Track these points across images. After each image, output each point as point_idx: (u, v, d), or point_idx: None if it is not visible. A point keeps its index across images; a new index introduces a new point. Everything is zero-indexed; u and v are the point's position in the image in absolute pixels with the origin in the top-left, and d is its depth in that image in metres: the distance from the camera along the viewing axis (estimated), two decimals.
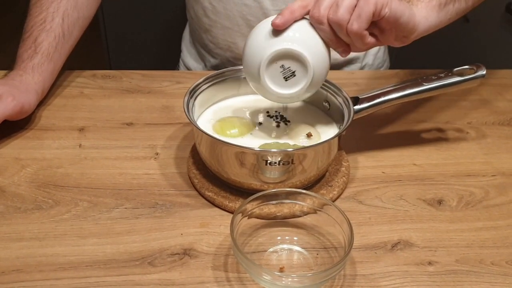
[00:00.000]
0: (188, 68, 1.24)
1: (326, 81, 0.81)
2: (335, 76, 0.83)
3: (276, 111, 0.82)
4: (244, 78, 0.84)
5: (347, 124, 0.73)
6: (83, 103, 0.95)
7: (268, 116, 0.82)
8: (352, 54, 1.13)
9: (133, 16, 1.93)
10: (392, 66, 1.28)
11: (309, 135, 0.77)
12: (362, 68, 1.18)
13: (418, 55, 2.08)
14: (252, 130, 0.79)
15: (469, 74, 0.80)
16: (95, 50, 2.01)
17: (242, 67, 0.84)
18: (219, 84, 0.82)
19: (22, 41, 0.92)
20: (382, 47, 1.23)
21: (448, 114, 0.96)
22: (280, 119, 0.81)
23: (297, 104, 0.85)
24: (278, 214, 0.69)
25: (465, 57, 1.07)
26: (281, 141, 0.76)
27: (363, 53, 1.17)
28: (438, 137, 0.90)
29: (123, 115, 0.91)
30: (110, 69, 1.07)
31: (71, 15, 0.95)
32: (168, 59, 1.35)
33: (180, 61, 1.27)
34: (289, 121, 0.80)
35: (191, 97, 0.77)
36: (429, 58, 2.04)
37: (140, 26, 1.95)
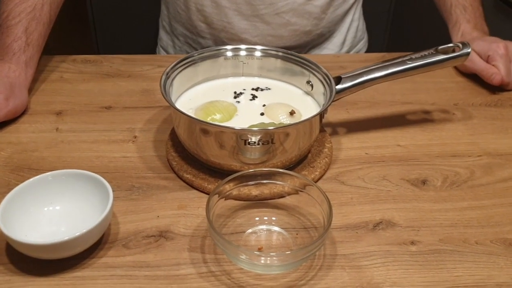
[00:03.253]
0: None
1: (305, 59, 0.80)
2: (320, 60, 0.81)
3: (253, 89, 0.81)
4: (225, 59, 0.83)
5: (329, 103, 0.71)
6: (62, 87, 0.93)
7: (243, 93, 0.81)
8: (330, 28, 1.14)
9: (121, 2, 1.91)
10: (380, 49, 1.27)
11: (292, 113, 0.75)
12: (344, 41, 1.17)
13: (410, 41, 2.07)
14: (237, 113, 0.77)
15: (454, 52, 0.79)
16: (84, 39, 1.99)
17: (224, 47, 0.83)
18: (198, 65, 0.80)
19: (7, 27, 0.87)
20: (361, 21, 1.23)
21: (435, 95, 0.95)
22: (253, 97, 0.80)
23: (280, 85, 0.83)
24: (257, 194, 0.67)
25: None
26: (267, 121, 0.74)
27: (345, 27, 1.17)
28: (424, 118, 0.88)
29: (102, 98, 0.89)
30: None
31: (56, 0, 0.93)
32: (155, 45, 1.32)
33: (162, 51, 1.25)
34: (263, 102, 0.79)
35: (167, 78, 0.75)
36: (420, 45, 2.03)
37: (128, 13, 1.93)
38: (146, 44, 1.43)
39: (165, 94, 0.71)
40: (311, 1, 1.06)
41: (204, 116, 0.74)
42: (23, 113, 0.84)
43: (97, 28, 1.95)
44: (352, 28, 1.19)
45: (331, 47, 1.18)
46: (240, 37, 1.09)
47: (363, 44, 1.25)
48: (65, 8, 0.99)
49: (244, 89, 0.81)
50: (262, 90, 0.82)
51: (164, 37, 1.22)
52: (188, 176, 0.71)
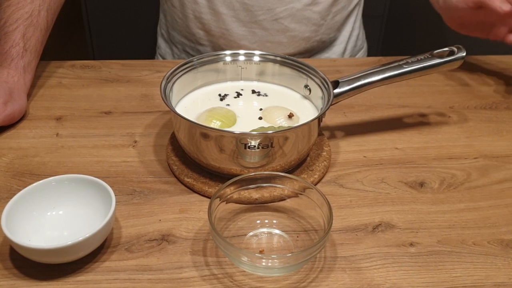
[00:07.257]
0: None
1: (303, 63, 0.81)
2: (316, 64, 0.82)
3: (253, 91, 0.83)
4: (224, 64, 0.83)
5: (328, 106, 0.72)
6: (61, 93, 0.93)
7: (239, 95, 0.82)
8: (329, 35, 1.15)
9: (117, 8, 1.91)
10: (375, 53, 1.28)
11: (290, 116, 0.76)
12: (344, 50, 1.18)
13: (404, 46, 2.08)
14: (237, 119, 0.77)
15: (450, 56, 0.80)
16: (80, 45, 1.99)
17: (222, 52, 0.83)
18: (197, 70, 0.81)
19: (5, 33, 0.88)
20: (361, 30, 1.24)
21: (430, 99, 0.96)
22: (238, 95, 0.82)
23: (278, 89, 0.84)
24: (257, 198, 0.68)
25: (449, 44, 1.06)
26: (265, 125, 0.75)
27: (346, 36, 1.18)
28: (420, 121, 0.89)
29: (102, 104, 0.90)
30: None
31: (53, 6, 0.94)
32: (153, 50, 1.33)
33: (161, 59, 1.25)
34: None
35: (167, 83, 0.75)
36: (414, 49, 2.05)
37: (124, 20, 1.93)
38: (143, 50, 1.43)
39: (166, 99, 0.71)
40: (310, 7, 1.07)
41: (208, 124, 0.74)
42: (23, 118, 0.85)
43: (93, 35, 1.95)
44: (352, 37, 1.19)
45: (331, 56, 1.18)
46: (239, 44, 1.10)
47: (362, 53, 1.26)
48: (61, 15, 0.99)
49: (239, 91, 0.82)
50: (259, 95, 0.82)
51: (162, 45, 1.23)
52: (189, 180, 0.72)
